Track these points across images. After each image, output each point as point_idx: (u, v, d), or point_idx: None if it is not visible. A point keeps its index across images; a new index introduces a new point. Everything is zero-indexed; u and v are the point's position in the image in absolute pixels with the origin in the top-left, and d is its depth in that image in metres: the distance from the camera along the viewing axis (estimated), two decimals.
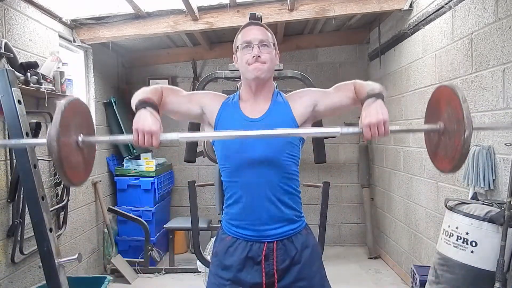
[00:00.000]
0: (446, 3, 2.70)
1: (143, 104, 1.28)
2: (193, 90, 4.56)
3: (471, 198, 2.25)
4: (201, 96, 1.55)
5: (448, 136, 1.25)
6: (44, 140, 1.15)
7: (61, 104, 1.17)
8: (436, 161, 1.35)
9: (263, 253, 1.44)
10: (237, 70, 1.56)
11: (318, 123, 2.61)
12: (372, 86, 1.36)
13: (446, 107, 1.27)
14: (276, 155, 1.43)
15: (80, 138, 1.23)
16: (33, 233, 2.35)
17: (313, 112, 1.50)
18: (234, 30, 1.55)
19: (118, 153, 4.31)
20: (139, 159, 4.24)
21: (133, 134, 1.23)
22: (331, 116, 1.56)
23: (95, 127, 3.85)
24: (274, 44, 1.50)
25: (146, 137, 1.22)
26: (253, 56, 1.44)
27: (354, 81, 1.47)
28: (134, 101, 1.33)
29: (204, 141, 3.28)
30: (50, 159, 2.98)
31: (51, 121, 3.11)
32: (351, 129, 1.26)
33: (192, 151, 2.69)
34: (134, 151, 4.20)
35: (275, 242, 1.44)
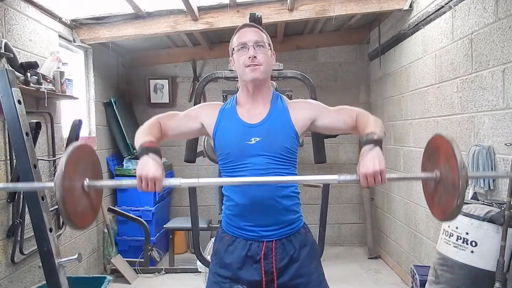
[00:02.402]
0: (446, 3, 2.70)
1: (145, 150, 1.30)
2: (193, 90, 4.58)
3: (471, 198, 2.25)
4: (198, 111, 1.56)
5: (444, 185, 1.26)
6: (51, 184, 1.18)
7: (67, 150, 1.21)
8: (432, 208, 1.38)
9: (262, 252, 1.45)
10: None
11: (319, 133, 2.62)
12: (373, 126, 1.35)
13: (441, 156, 1.28)
14: (275, 160, 1.44)
15: (85, 183, 1.26)
16: (33, 233, 2.35)
17: (311, 125, 1.51)
18: (234, 30, 1.55)
19: (118, 153, 4.31)
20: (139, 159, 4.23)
21: (137, 181, 1.26)
22: (327, 133, 1.56)
23: (95, 127, 3.90)
24: (269, 45, 1.51)
25: (150, 184, 1.25)
26: (249, 57, 1.44)
27: (358, 111, 1.47)
28: (136, 143, 1.37)
29: (204, 141, 3.28)
30: (51, 159, 2.99)
31: (51, 121, 3.12)
32: (348, 177, 1.29)
33: (192, 151, 2.69)
34: (134, 151, 4.19)
35: (274, 241, 1.46)
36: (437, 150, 1.30)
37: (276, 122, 1.48)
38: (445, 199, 1.25)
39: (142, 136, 1.38)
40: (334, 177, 1.29)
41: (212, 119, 1.52)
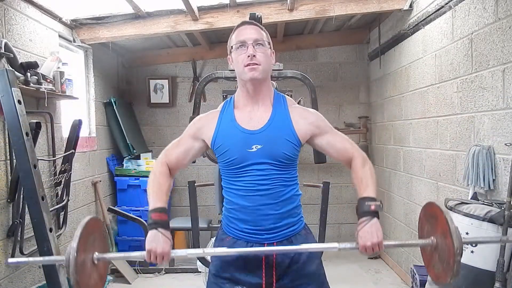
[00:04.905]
0: (446, 3, 2.70)
1: (154, 225, 1.35)
2: (193, 90, 4.57)
3: (471, 198, 2.25)
4: (195, 129, 1.52)
5: (439, 256, 1.30)
6: (63, 257, 1.25)
7: (80, 225, 1.26)
8: (429, 270, 1.40)
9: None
10: None
11: None
12: (370, 186, 1.38)
13: (438, 228, 1.31)
14: (277, 166, 1.43)
15: (95, 256, 1.32)
16: (33, 233, 2.35)
17: (309, 138, 1.48)
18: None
19: (118, 153, 4.31)
20: (139, 159, 4.24)
21: (146, 254, 1.33)
22: (320, 151, 1.55)
23: (95, 127, 3.90)
24: (269, 43, 1.48)
25: (158, 258, 1.33)
26: (248, 56, 1.41)
27: (357, 150, 1.47)
28: (148, 199, 1.41)
29: None
30: (51, 159, 2.98)
31: (51, 121, 3.11)
32: (348, 245, 1.35)
33: None
34: (134, 151, 4.19)
35: (274, 243, 1.45)
36: (435, 219, 1.32)
37: (278, 128, 1.44)
38: (441, 270, 1.29)
39: (152, 195, 1.41)
40: (334, 245, 1.35)
41: (210, 131, 1.48)
